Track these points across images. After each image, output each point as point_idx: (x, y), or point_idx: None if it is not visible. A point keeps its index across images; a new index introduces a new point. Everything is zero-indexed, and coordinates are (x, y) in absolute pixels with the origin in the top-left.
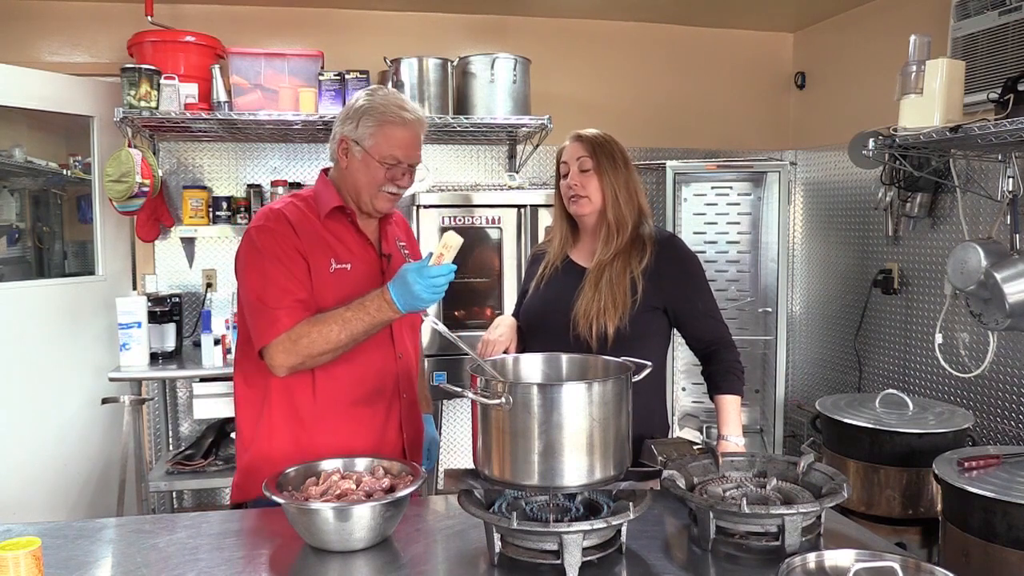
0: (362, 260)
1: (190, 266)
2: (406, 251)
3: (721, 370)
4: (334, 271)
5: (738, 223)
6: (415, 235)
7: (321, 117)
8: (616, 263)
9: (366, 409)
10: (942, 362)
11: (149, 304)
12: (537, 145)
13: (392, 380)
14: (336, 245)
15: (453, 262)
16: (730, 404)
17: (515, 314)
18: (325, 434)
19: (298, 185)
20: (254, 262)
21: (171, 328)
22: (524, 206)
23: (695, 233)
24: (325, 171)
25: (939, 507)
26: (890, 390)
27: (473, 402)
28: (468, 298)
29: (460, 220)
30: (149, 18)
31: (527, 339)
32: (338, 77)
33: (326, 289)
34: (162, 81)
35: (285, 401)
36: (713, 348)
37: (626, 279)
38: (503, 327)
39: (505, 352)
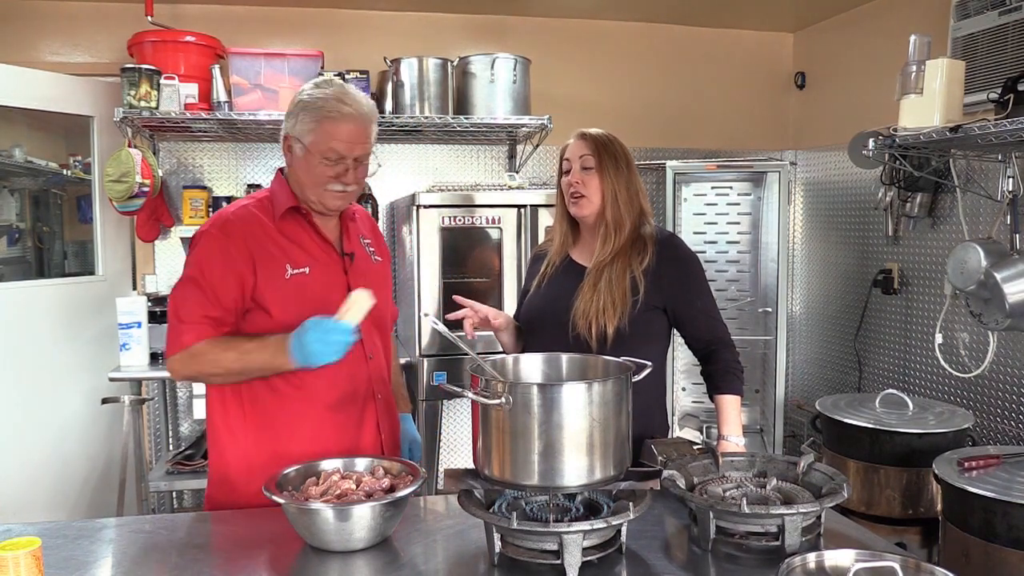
0: (322, 262)
1: None
2: (371, 248)
3: (720, 370)
4: (291, 277)
5: (738, 223)
6: (416, 233)
7: None
8: (616, 263)
9: (340, 414)
10: (942, 362)
11: (149, 304)
12: (537, 145)
13: (365, 382)
14: (292, 249)
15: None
16: (730, 404)
17: (516, 316)
18: (299, 441)
19: None
20: (186, 268)
21: None
22: (524, 206)
23: (695, 233)
24: (282, 170)
25: (939, 507)
26: (890, 390)
27: (473, 402)
28: (468, 298)
29: (460, 220)
30: (149, 18)
31: (527, 338)
32: (336, 79)
33: (285, 297)
34: (162, 81)
35: (257, 409)
36: (712, 348)
37: (626, 279)
38: (502, 316)
39: (493, 329)
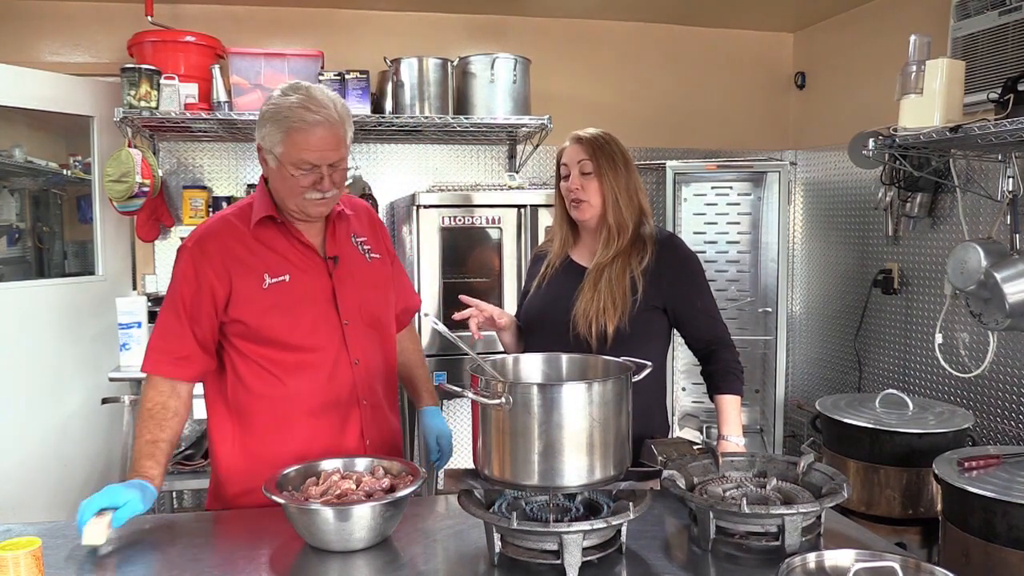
0: (303, 268)
1: None
2: (366, 246)
3: (720, 370)
4: (269, 287)
5: (738, 223)
6: (416, 233)
7: None
8: (616, 263)
9: (321, 419)
10: (942, 362)
11: (149, 304)
12: (537, 145)
13: (348, 388)
14: (270, 257)
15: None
16: (730, 404)
17: (517, 316)
18: (281, 444)
19: None
20: (169, 286)
21: None
22: (524, 206)
23: (695, 233)
24: (265, 177)
25: (939, 507)
26: (890, 390)
27: (473, 402)
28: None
29: (460, 220)
30: (149, 18)
31: (527, 338)
32: (338, 77)
33: (265, 308)
34: (162, 81)
35: (241, 411)
36: (712, 348)
37: (626, 279)
38: (506, 315)
39: (498, 328)
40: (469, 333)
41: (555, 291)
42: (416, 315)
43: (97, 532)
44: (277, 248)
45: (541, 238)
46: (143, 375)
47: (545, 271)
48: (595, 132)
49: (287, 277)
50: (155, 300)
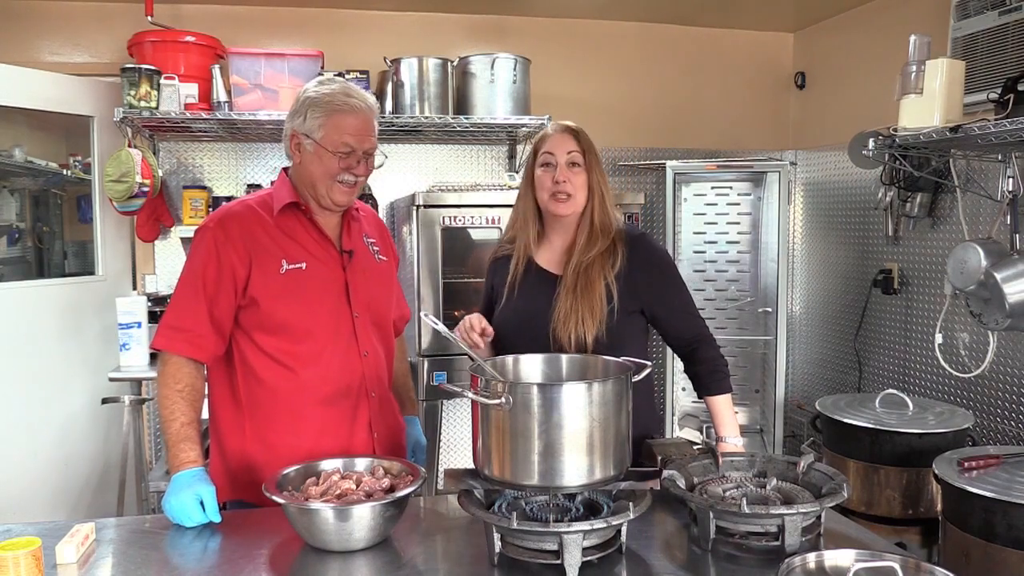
0: (319, 258)
1: None
2: (376, 247)
3: (707, 370)
4: (286, 272)
5: (738, 223)
6: (416, 233)
7: None
8: (591, 270)
9: (332, 409)
10: (942, 362)
11: (149, 304)
12: None
13: (358, 379)
14: (289, 244)
15: None
16: (723, 404)
17: (482, 312)
18: (293, 435)
19: None
20: (188, 264)
21: None
22: None
23: (695, 233)
24: (286, 169)
25: (939, 507)
26: (890, 390)
27: (473, 402)
28: (467, 298)
29: (460, 220)
30: (149, 18)
31: (505, 352)
32: (338, 77)
33: (280, 292)
34: (162, 81)
35: (252, 403)
36: (694, 346)
37: (600, 285)
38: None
39: (482, 333)
40: None
41: (528, 303)
42: (417, 318)
43: (71, 551)
44: (297, 237)
45: None
46: (146, 370)
47: (513, 279)
48: (576, 124)
49: (304, 265)
50: (155, 300)
